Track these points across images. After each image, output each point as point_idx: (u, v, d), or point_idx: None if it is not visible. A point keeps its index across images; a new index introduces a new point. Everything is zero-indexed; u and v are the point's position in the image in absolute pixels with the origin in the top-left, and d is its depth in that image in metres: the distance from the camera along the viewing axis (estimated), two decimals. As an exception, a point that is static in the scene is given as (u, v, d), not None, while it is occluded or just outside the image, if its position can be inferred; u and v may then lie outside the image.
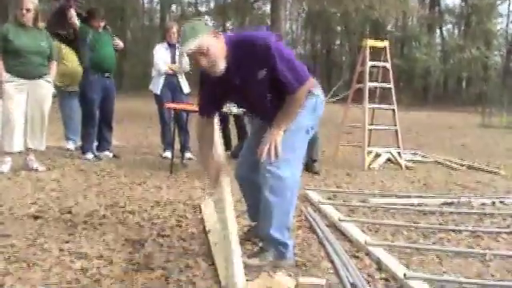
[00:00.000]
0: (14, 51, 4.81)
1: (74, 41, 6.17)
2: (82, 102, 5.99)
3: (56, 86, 5.87)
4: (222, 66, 2.54)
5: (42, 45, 5.00)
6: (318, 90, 2.81)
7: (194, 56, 2.53)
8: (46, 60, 5.05)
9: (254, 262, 2.59)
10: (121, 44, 6.17)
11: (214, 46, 2.51)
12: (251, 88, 2.65)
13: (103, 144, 6.12)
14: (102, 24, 5.95)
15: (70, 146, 6.53)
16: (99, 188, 4.37)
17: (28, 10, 4.87)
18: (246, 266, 2.44)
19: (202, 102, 2.89)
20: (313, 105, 2.75)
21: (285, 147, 2.63)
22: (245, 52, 2.55)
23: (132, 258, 2.66)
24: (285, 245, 2.65)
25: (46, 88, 5.08)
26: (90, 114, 5.91)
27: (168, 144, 6.24)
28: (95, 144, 6.09)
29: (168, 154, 6.12)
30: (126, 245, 2.87)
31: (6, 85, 4.81)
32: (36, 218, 3.32)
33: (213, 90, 2.76)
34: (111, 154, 6.09)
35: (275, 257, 2.64)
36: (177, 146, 6.08)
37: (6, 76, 4.81)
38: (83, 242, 2.87)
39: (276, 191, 2.60)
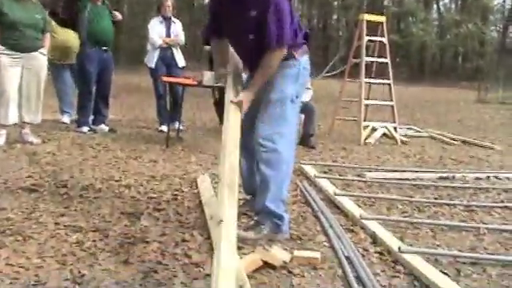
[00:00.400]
0: (8, 24, 4.75)
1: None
2: (78, 75, 5.96)
3: (48, 59, 5.83)
4: None
5: (36, 17, 4.95)
6: (304, 59, 2.80)
7: None
8: (40, 33, 5.01)
9: (250, 235, 2.60)
10: (119, 16, 6.08)
11: None
12: (239, 22, 2.68)
13: (99, 118, 6.08)
14: None
15: (66, 119, 6.49)
16: (95, 162, 4.36)
17: None
18: (242, 240, 2.47)
19: (208, 21, 2.98)
20: (295, 73, 2.75)
21: (275, 120, 2.67)
22: None
23: (128, 231, 2.66)
24: (280, 217, 2.67)
25: (41, 61, 5.04)
26: (87, 88, 5.87)
27: (164, 118, 6.23)
28: (91, 117, 6.06)
29: (164, 127, 6.09)
30: (121, 218, 2.87)
31: (1, 57, 4.76)
32: (31, 191, 3.32)
33: (216, 9, 2.86)
34: (107, 128, 6.06)
35: (271, 230, 2.65)
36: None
37: (1, 48, 4.76)
38: (79, 216, 2.87)
39: (272, 164, 2.65)
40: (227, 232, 1.99)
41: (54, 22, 6.14)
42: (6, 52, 4.78)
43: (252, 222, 2.78)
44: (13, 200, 3.11)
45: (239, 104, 2.66)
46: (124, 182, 3.71)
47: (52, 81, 6.60)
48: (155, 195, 3.40)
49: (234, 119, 2.62)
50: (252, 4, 2.61)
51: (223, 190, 2.23)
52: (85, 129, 5.87)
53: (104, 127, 6.04)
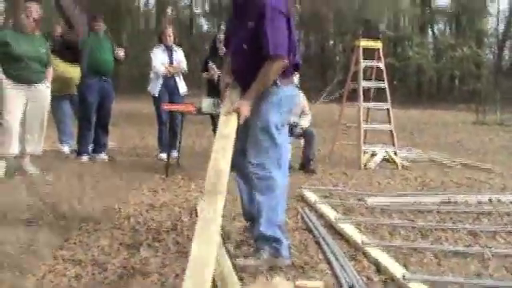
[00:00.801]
0: (14, 57, 4.82)
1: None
2: (79, 105, 5.99)
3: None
4: None
5: (41, 50, 5.03)
6: (288, 87, 2.82)
7: None
8: (44, 66, 5.07)
9: (250, 262, 2.59)
10: (121, 54, 6.12)
11: None
12: (238, 30, 2.80)
13: (98, 147, 6.09)
14: (103, 27, 5.94)
15: (65, 149, 6.48)
16: (94, 192, 4.33)
17: (35, 20, 4.92)
18: (242, 268, 2.45)
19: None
20: (278, 100, 2.77)
21: (263, 147, 2.75)
22: None
23: (127, 263, 2.63)
24: (278, 241, 2.67)
25: (44, 93, 5.09)
26: (87, 117, 5.89)
27: (164, 145, 6.22)
28: (90, 146, 6.06)
29: (164, 155, 6.06)
30: (120, 250, 2.84)
31: (6, 89, 4.81)
32: (30, 223, 3.28)
33: (227, 23, 3.11)
34: (106, 157, 6.05)
35: (270, 254, 2.64)
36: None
37: (6, 81, 4.81)
38: (78, 248, 2.83)
39: (265, 191, 2.72)
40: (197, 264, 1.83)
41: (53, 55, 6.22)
42: (10, 84, 4.83)
43: (252, 250, 2.75)
44: (11, 233, 3.07)
45: (236, 111, 2.70)
46: (123, 212, 3.68)
47: (51, 111, 6.61)
48: (155, 225, 3.36)
49: (225, 128, 2.68)
50: (250, 15, 2.71)
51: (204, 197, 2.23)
52: (84, 158, 5.87)
53: (103, 156, 6.03)
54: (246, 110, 2.72)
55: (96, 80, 5.84)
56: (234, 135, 2.66)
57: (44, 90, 5.08)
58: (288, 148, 5.80)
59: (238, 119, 2.72)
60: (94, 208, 3.75)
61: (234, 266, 2.48)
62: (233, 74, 2.97)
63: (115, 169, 5.49)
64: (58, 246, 2.86)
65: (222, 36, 6.41)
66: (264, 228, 2.68)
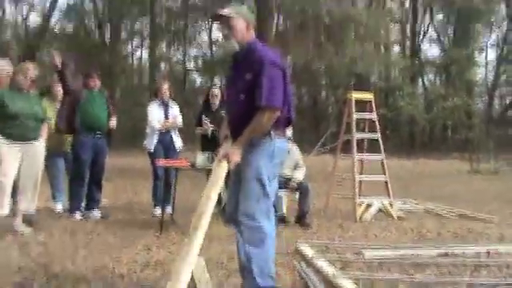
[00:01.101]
0: (9, 115, 4.83)
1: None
2: (73, 162, 5.97)
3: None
4: (235, 46, 2.96)
5: (36, 109, 5.07)
6: (280, 140, 2.95)
7: (222, 22, 2.98)
8: (39, 123, 5.09)
9: None
10: (113, 123, 6.15)
11: (241, 30, 2.95)
12: (236, 82, 2.96)
13: (91, 203, 6.03)
14: (98, 83, 6.02)
15: (58, 206, 6.42)
16: (87, 250, 4.26)
17: (31, 79, 4.99)
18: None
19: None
20: (270, 152, 2.90)
21: (254, 197, 2.85)
22: (251, 53, 2.92)
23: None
24: None
25: (39, 150, 5.09)
26: (80, 175, 5.88)
27: (159, 201, 6.19)
28: (83, 203, 6.01)
29: (158, 210, 6.05)
30: (114, 311, 2.77)
31: (1, 147, 4.80)
32: (22, 286, 3.21)
33: (227, 75, 3.21)
34: (100, 214, 5.99)
35: None
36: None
37: (1, 139, 4.81)
38: (70, 310, 2.76)
39: (255, 242, 2.82)
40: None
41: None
42: (5, 142, 4.82)
43: None
44: (1, 296, 3.00)
45: (227, 158, 2.83)
46: (117, 271, 3.61)
47: (45, 168, 6.60)
48: (149, 284, 3.30)
49: (213, 175, 2.87)
50: (248, 68, 2.89)
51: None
52: (77, 215, 5.81)
53: (96, 213, 5.97)
54: (235, 157, 2.83)
55: (90, 137, 5.86)
56: (221, 181, 2.81)
57: (39, 147, 5.08)
58: (283, 201, 5.80)
59: (229, 166, 2.83)
60: (87, 267, 3.68)
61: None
62: (228, 124, 3.09)
63: (108, 226, 5.43)
64: (50, 308, 2.79)
65: (215, 91, 6.52)
66: (260, 280, 2.77)
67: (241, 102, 2.90)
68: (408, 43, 30.78)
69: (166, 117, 6.43)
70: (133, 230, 5.19)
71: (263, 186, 2.86)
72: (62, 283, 3.29)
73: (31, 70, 5.03)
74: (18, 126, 4.87)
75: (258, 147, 2.88)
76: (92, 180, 6.01)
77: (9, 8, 27.87)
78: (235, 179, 2.96)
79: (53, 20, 26.35)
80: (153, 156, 6.34)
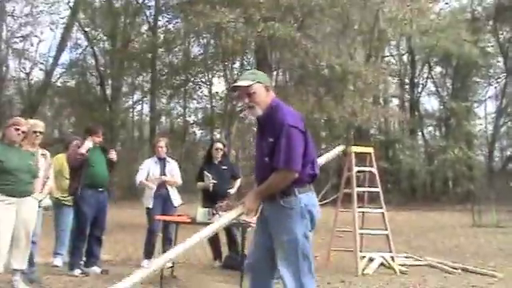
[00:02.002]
0: (3, 170, 4.79)
1: None
2: (75, 217, 5.96)
3: (56, 199, 6.18)
4: (259, 112, 3.09)
5: (30, 163, 5.04)
6: (304, 196, 3.04)
7: (241, 92, 3.10)
8: (32, 177, 5.07)
9: None
10: (114, 156, 6.21)
11: (261, 95, 3.08)
12: (261, 145, 3.11)
13: (91, 259, 5.99)
14: (101, 140, 6.10)
15: (58, 262, 6.37)
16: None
17: (23, 132, 4.99)
18: None
19: None
20: (299, 210, 3.00)
21: (290, 261, 2.95)
22: (273, 116, 3.06)
23: None
24: None
25: (33, 205, 5.05)
26: (82, 230, 5.86)
27: (148, 252, 6.34)
28: (83, 259, 5.96)
29: (147, 262, 6.11)
30: None
31: None
32: None
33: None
34: (99, 270, 5.93)
35: None
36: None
37: None
38: None
39: None
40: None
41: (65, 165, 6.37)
42: (1, 198, 4.76)
43: None
44: None
45: (243, 204, 3.05)
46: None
47: (54, 221, 6.63)
48: None
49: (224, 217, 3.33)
50: (270, 132, 3.04)
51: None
52: (77, 272, 5.75)
53: (96, 269, 5.92)
54: (250, 203, 3.04)
55: (92, 192, 5.88)
56: (223, 221, 3.34)
57: (32, 202, 5.04)
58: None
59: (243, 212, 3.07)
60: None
61: None
62: (256, 183, 3.21)
63: (108, 281, 5.34)
64: None
65: (219, 145, 6.61)
66: None
67: (266, 164, 3.04)
68: (407, 96, 31.22)
69: (164, 173, 6.50)
70: (133, 286, 5.11)
71: (300, 246, 2.97)
72: None
73: (23, 123, 5.06)
74: (13, 182, 4.81)
75: (286, 209, 3.00)
76: (92, 235, 5.99)
77: (12, 64, 28.46)
78: (260, 231, 3.14)
79: (55, 75, 26.84)
80: (150, 212, 6.44)
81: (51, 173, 5.67)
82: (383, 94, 25.92)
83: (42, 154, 5.53)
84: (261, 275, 3.13)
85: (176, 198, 6.58)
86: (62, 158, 6.62)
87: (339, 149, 4.51)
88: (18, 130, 4.96)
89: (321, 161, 3.59)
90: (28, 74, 28.80)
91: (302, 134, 3.02)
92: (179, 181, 6.65)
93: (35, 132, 5.39)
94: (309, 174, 3.06)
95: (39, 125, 5.53)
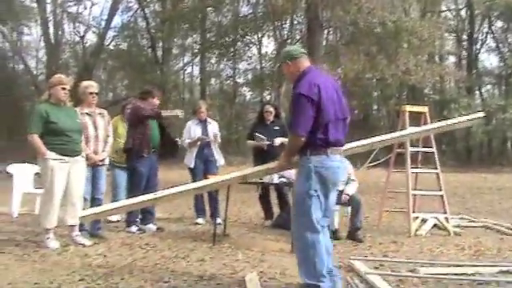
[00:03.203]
0: (57, 131, 4.98)
1: None
2: (131, 177, 6.12)
3: (110, 161, 6.37)
4: (290, 84, 3.59)
5: (78, 122, 5.22)
6: (317, 158, 3.35)
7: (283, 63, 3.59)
8: (81, 137, 5.26)
9: None
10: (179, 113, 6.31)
11: (287, 72, 3.62)
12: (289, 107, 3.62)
13: (147, 217, 6.18)
14: (158, 102, 6.22)
15: (113, 217, 6.65)
16: (144, 262, 4.39)
17: (69, 90, 5.15)
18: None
19: None
20: (307, 171, 3.35)
21: (299, 211, 3.39)
22: (294, 86, 3.53)
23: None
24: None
25: (83, 164, 5.26)
26: (138, 188, 6.01)
27: (200, 210, 6.75)
28: (139, 217, 6.18)
29: (200, 220, 6.66)
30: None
31: (51, 162, 4.96)
32: (83, 295, 3.35)
33: None
34: (155, 227, 6.14)
35: None
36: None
37: (51, 154, 4.96)
38: (129, 320, 2.86)
39: (300, 249, 3.41)
40: None
41: (120, 128, 6.68)
42: (54, 157, 4.97)
43: None
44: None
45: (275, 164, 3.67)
46: (173, 283, 3.70)
47: (110, 181, 6.90)
48: (204, 297, 3.36)
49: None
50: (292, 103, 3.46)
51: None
52: (134, 229, 5.98)
53: (152, 226, 6.13)
54: (281, 161, 3.57)
55: (146, 152, 6.01)
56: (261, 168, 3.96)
57: (82, 160, 5.24)
58: (336, 216, 5.78)
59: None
60: (144, 279, 3.79)
61: None
62: None
63: (163, 238, 5.56)
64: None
65: (269, 107, 6.62)
66: (306, 278, 3.31)
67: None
68: (464, 53, 29.88)
69: (205, 133, 6.75)
70: (186, 243, 5.30)
71: (304, 200, 3.33)
72: (121, 293, 3.41)
73: (67, 82, 5.20)
74: (66, 141, 5.02)
75: (298, 167, 3.45)
76: (146, 194, 6.15)
77: (67, 27, 29.17)
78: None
79: (108, 38, 27.33)
80: (193, 172, 6.74)
81: (110, 131, 5.82)
82: (439, 51, 24.89)
83: (100, 114, 5.69)
84: None
85: (218, 158, 6.75)
86: (116, 120, 6.81)
87: (478, 115, 4.40)
88: (64, 89, 5.12)
89: (442, 125, 4.24)
90: (82, 38, 29.52)
91: (310, 103, 3.29)
92: (219, 140, 6.85)
93: (91, 93, 5.53)
94: (319, 138, 3.34)
95: (94, 85, 5.66)
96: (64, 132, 5.01)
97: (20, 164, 7.74)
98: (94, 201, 5.48)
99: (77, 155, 5.14)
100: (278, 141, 6.29)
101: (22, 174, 7.55)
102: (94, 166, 5.50)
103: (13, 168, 7.53)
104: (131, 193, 6.10)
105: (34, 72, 30.57)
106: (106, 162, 5.85)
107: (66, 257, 4.59)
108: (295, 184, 3.47)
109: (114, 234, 5.77)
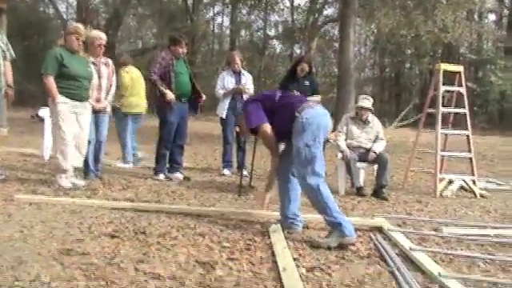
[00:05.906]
0: (69, 76, 5.17)
1: None
2: (160, 125, 6.17)
3: (115, 108, 6.67)
4: None
5: (89, 70, 5.40)
6: (305, 112, 3.68)
7: None
8: (89, 83, 5.42)
9: (324, 240, 3.50)
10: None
11: None
12: None
13: (174, 166, 6.29)
14: (185, 51, 6.19)
15: (128, 165, 7.07)
16: (171, 209, 4.49)
17: (83, 40, 5.30)
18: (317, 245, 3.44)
19: None
20: (300, 126, 3.65)
21: (301, 163, 3.65)
22: None
23: (203, 280, 2.72)
24: (339, 224, 3.50)
25: (89, 109, 5.48)
26: (168, 137, 6.10)
27: (227, 162, 6.84)
28: (167, 166, 6.29)
29: (226, 171, 6.77)
30: (196, 266, 2.94)
31: (62, 106, 5.14)
32: (113, 237, 3.47)
33: None
34: (182, 176, 6.25)
35: (339, 235, 3.48)
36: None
37: (61, 98, 5.14)
38: (157, 262, 2.97)
39: (309, 196, 3.71)
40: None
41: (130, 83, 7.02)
42: (64, 101, 5.16)
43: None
44: (96, 245, 3.27)
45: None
46: (198, 230, 3.80)
47: (117, 129, 7.22)
48: (228, 244, 3.45)
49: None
50: None
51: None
52: (161, 176, 6.11)
53: (179, 175, 6.24)
54: (274, 163, 4.12)
55: (177, 102, 6.04)
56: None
57: (89, 106, 5.46)
58: (361, 173, 5.77)
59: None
60: (170, 225, 3.90)
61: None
62: None
63: (190, 187, 5.68)
64: (139, 259, 3.01)
65: (305, 67, 6.41)
66: (327, 216, 3.58)
67: None
68: (506, 11, 28.69)
69: (238, 84, 6.78)
70: (212, 193, 5.40)
71: (304, 152, 3.60)
72: (148, 236, 3.52)
73: (83, 31, 5.30)
74: (77, 87, 5.22)
75: (294, 129, 3.69)
76: (175, 144, 6.25)
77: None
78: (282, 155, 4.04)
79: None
80: (224, 123, 6.81)
81: (114, 80, 5.99)
82: (479, 9, 23.96)
83: (105, 63, 5.83)
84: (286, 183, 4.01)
85: None
86: (136, 74, 7.09)
87: None
88: (79, 39, 5.26)
89: None
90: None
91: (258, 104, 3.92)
92: (251, 90, 6.84)
93: (99, 45, 5.66)
94: (300, 99, 3.96)
95: (102, 37, 5.74)
96: (75, 77, 5.21)
97: None
98: (97, 143, 5.72)
99: (85, 101, 5.36)
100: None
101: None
102: (96, 113, 5.66)
103: (44, 111, 7.70)
104: (161, 142, 6.21)
105: (65, 16, 30.71)
106: (108, 109, 5.93)
107: (95, 199, 4.74)
108: (294, 144, 3.68)
109: (142, 182, 5.91)
